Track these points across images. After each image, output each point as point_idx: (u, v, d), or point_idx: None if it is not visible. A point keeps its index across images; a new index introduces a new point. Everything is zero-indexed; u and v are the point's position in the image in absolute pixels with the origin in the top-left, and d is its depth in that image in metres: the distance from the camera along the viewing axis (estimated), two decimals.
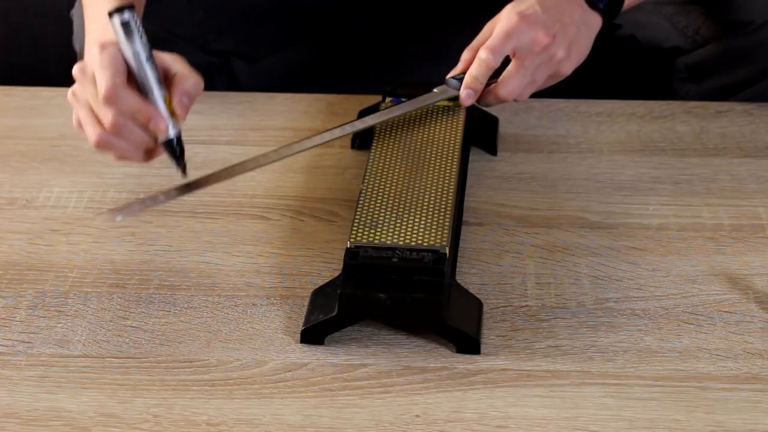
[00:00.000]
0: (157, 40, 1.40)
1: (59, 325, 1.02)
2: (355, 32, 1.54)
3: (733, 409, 0.93)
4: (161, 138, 1.05)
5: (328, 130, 1.15)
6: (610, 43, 1.21)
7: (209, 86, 1.43)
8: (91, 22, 1.15)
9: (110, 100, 1.01)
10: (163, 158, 1.22)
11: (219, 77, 1.49)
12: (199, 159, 1.24)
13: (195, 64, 1.46)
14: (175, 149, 1.05)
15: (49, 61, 1.75)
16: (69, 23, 1.47)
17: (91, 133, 1.04)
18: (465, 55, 1.20)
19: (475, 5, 1.53)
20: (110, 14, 1.04)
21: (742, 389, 0.95)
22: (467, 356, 0.99)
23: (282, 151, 1.13)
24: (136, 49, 1.03)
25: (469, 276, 1.08)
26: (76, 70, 1.05)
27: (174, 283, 1.07)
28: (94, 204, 1.18)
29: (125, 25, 1.03)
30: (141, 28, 1.04)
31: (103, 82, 1.02)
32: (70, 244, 1.12)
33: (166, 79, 1.05)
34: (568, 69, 1.19)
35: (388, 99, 1.24)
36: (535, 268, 1.09)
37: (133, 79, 1.04)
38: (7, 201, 1.19)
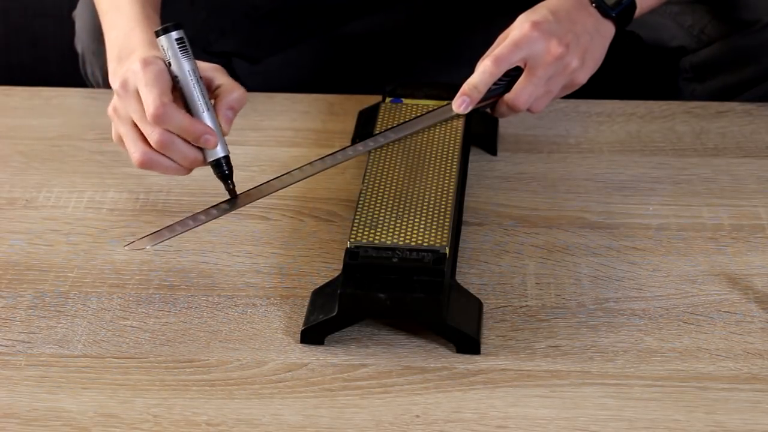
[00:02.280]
0: None
1: (59, 325, 1.02)
2: (356, 33, 1.54)
3: (733, 409, 0.93)
4: (210, 157, 1.05)
5: (353, 146, 1.15)
6: (615, 43, 1.21)
7: None
8: (111, 29, 1.14)
9: (159, 119, 1.01)
10: None
11: None
12: None
13: None
14: (224, 168, 1.05)
15: (49, 61, 1.75)
16: (69, 23, 1.47)
17: (134, 150, 1.04)
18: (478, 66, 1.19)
19: (476, 8, 1.53)
20: (157, 33, 1.04)
21: (742, 389, 0.95)
22: (467, 356, 0.99)
23: (306, 169, 1.12)
24: (191, 67, 1.04)
25: (469, 276, 1.08)
26: (117, 86, 1.05)
27: (174, 283, 1.07)
28: (94, 204, 1.18)
29: (179, 42, 1.04)
30: (190, 47, 1.04)
31: (150, 100, 1.01)
32: (70, 244, 1.12)
33: (209, 90, 1.06)
34: (582, 78, 1.19)
35: (388, 99, 1.24)
36: (535, 268, 1.09)
37: (178, 95, 1.04)
38: (7, 201, 1.19)
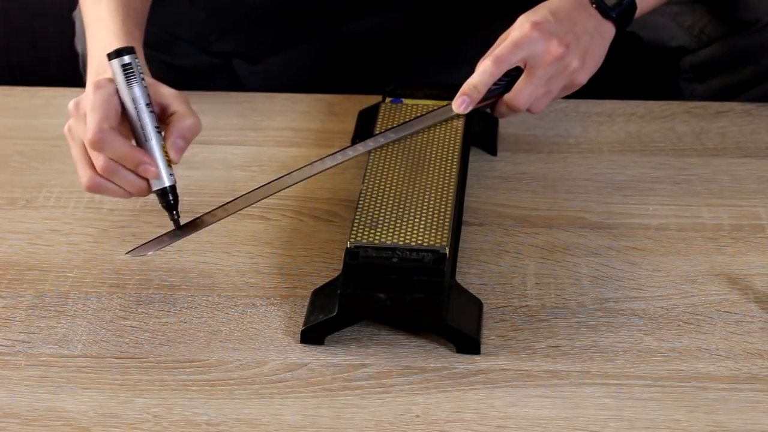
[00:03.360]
0: (159, 42, 1.41)
1: (59, 325, 1.02)
2: (356, 33, 1.54)
3: (733, 409, 0.93)
4: (155, 186, 1.02)
5: (347, 148, 1.14)
6: (615, 43, 1.21)
7: (211, 87, 1.44)
8: (92, 42, 1.13)
9: (96, 145, 0.99)
10: None
11: (221, 78, 1.49)
12: (200, 159, 1.24)
13: (197, 65, 1.47)
14: (169, 198, 1.03)
15: (49, 61, 1.75)
16: (69, 23, 1.47)
17: (83, 175, 1.02)
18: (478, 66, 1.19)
19: (476, 8, 1.53)
20: (109, 56, 1.02)
21: (742, 389, 0.95)
22: (467, 356, 0.99)
23: (306, 170, 1.11)
24: (135, 95, 1.01)
25: (469, 276, 1.08)
26: (71, 106, 1.03)
27: (174, 283, 1.07)
28: (94, 204, 1.17)
29: (126, 68, 1.01)
30: (141, 72, 1.02)
31: (90, 125, 0.99)
32: (70, 244, 1.12)
33: (164, 117, 1.03)
34: (582, 78, 1.19)
35: (388, 99, 1.24)
36: (535, 268, 1.09)
37: (127, 120, 1.02)
38: (7, 201, 1.19)
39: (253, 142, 1.28)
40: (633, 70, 1.55)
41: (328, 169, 1.13)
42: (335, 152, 1.14)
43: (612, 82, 1.38)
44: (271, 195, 1.10)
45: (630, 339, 1.00)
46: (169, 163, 1.02)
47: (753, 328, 1.02)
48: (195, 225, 1.06)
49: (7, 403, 0.94)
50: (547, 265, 1.09)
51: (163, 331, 1.02)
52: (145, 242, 1.06)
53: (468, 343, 0.99)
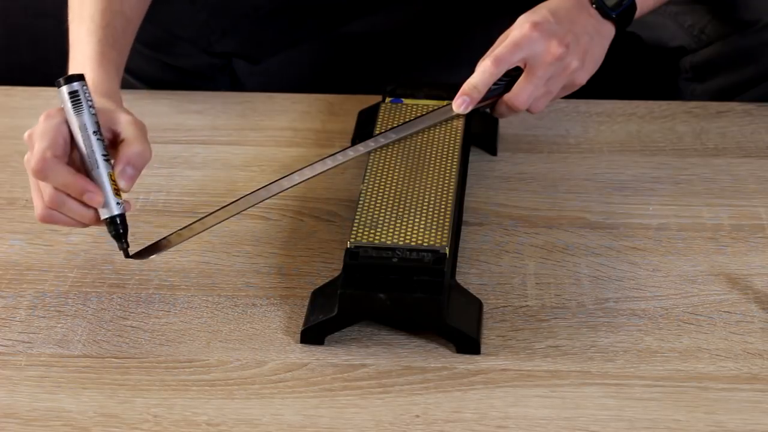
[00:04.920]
0: (159, 42, 1.41)
1: (59, 325, 1.02)
2: (356, 33, 1.54)
3: (733, 409, 0.93)
4: (103, 214, 1.01)
5: (344, 150, 1.14)
6: (615, 43, 1.21)
7: (211, 87, 1.44)
8: (72, 63, 1.12)
9: (39, 173, 0.98)
10: (168, 154, 1.22)
11: (221, 78, 1.49)
12: (199, 159, 1.24)
13: (197, 65, 1.47)
14: (118, 227, 1.01)
15: (49, 61, 1.74)
16: None
17: (36, 205, 1.01)
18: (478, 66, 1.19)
19: (476, 8, 1.53)
20: (57, 84, 1.01)
21: (742, 389, 0.95)
22: (467, 356, 0.99)
23: (306, 171, 1.11)
24: (83, 122, 1.00)
25: (469, 276, 1.08)
26: (26, 136, 1.02)
27: (174, 283, 1.07)
28: None
29: (72, 96, 1.00)
30: (90, 99, 1.01)
31: (35, 154, 0.98)
32: (70, 244, 1.12)
33: (115, 143, 1.02)
34: (582, 79, 1.19)
35: (388, 99, 1.24)
36: (535, 268, 1.09)
37: (76, 150, 1.01)
38: (7, 201, 1.19)
39: (253, 142, 1.28)
40: (633, 70, 1.55)
41: (328, 169, 1.13)
42: (335, 152, 1.14)
43: (612, 82, 1.38)
44: (271, 197, 1.10)
45: (630, 339, 1.00)
46: (118, 191, 1.01)
47: (753, 328, 1.02)
48: (192, 229, 1.06)
49: (7, 403, 0.94)
50: (547, 265, 1.09)
51: (163, 331, 1.02)
52: (147, 245, 1.06)
53: (468, 343, 0.99)
